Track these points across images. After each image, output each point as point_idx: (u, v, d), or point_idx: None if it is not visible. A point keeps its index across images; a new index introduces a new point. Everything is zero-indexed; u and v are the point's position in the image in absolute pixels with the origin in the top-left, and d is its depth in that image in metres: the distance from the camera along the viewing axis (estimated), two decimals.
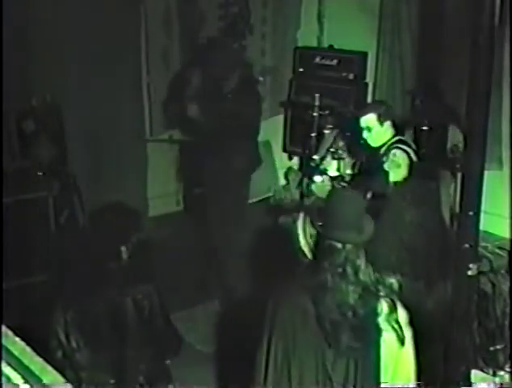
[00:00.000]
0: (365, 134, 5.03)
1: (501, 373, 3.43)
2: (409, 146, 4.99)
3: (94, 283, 3.38)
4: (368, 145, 5.07)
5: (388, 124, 4.96)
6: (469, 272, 2.89)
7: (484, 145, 2.78)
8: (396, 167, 4.83)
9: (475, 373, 3.17)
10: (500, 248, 5.05)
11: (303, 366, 2.78)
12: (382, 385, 2.77)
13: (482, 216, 2.90)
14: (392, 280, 3.03)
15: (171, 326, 3.60)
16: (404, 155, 4.88)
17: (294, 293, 2.84)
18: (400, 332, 2.77)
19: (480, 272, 3.15)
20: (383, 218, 3.17)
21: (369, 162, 5.19)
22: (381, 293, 2.80)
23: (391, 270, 3.03)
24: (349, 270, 2.76)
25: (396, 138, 5.00)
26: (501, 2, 2.60)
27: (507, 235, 5.53)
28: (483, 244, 4.64)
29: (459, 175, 5.00)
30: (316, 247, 2.85)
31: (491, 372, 3.51)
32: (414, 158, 4.92)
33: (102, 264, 3.44)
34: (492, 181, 3.48)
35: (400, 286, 3.03)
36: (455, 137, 5.97)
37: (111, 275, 3.41)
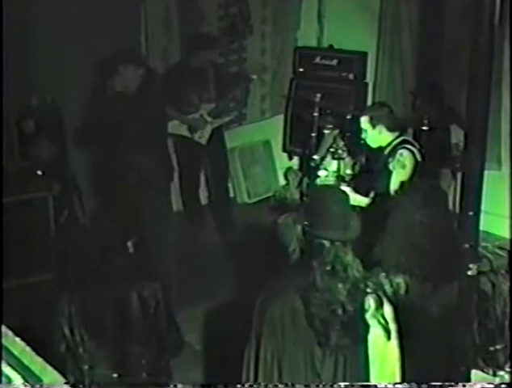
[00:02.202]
0: (363, 135, 5.04)
1: (501, 373, 3.42)
2: (415, 146, 4.99)
3: (99, 277, 3.39)
4: (368, 145, 5.08)
5: (380, 127, 4.93)
6: (469, 272, 2.90)
7: (484, 144, 2.79)
8: (401, 167, 4.83)
9: (475, 373, 3.17)
10: (500, 248, 5.03)
11: (292, 364, 2.80)
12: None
13: (482, 216, 2.90)
14: (400, 280, 3.03)
15: (174, 326, 3.60)
16: (411, 156, 4.88)
17: (283, 292, 2.84)
18: (386, 327, 2.78)
19: (480, 272, 3.15)
20: (391, 218, 3.16)
21: (372, 161, 5.19)
22: (368, 289, 2.81)
23: (400, 270, 3.03)
24: (338, 267, 2.77)
25: (401, 138, 5.00)
26: (501, 2, 2.60)
27: (507, 235, 5.52)
28: (483, 244, 4.62)
29: (459, 175, 5.00)
30: (305, 246, 2.85)
31: (491, 372, 3.50)
32: (419, 158, 4.92)
33: (108, 259, 3.43)
34: (492, 181, 3.48)
35: (407, 286, 3.03)
36: (455, 136, 5.97)
37: (118, 269, 3.41)
